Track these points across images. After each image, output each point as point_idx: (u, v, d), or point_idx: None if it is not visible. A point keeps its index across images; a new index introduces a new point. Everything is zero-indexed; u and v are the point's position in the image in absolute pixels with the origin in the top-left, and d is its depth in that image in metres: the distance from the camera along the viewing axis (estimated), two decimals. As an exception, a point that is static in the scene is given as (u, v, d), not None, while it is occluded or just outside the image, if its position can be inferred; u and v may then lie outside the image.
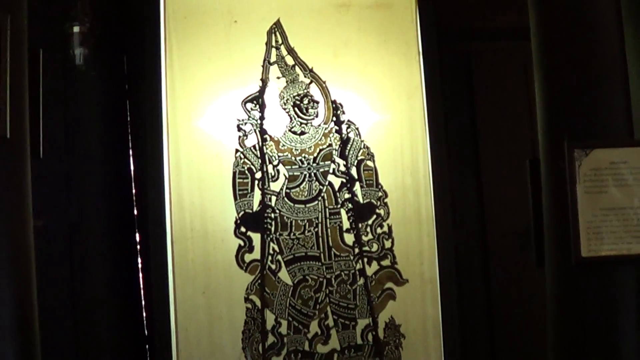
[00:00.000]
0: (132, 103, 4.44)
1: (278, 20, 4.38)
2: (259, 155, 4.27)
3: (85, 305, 4.20)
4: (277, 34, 4.38)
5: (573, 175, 3.04)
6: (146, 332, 4.31)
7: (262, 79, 4.34)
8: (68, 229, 4.25)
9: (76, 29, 4.27)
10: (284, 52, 4.38)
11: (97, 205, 4.31)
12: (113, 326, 4.25)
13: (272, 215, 4.26)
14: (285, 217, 4.27)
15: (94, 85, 4.36)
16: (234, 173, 4.26)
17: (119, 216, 4.38)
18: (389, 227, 4.35)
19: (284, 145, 4.31)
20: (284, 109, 4.34)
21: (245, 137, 4.29)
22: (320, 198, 4.30)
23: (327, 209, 4.31)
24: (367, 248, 4.32)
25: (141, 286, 4.33)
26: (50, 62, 4.05)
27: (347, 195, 4.32)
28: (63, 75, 4.27)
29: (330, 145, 4.35)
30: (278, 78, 4.36)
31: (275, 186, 4.29)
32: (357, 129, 4.38)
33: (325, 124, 4.37)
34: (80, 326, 4.21)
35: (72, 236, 4.24)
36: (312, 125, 4.35)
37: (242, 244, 4.23)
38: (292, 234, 4.27)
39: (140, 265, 4.36)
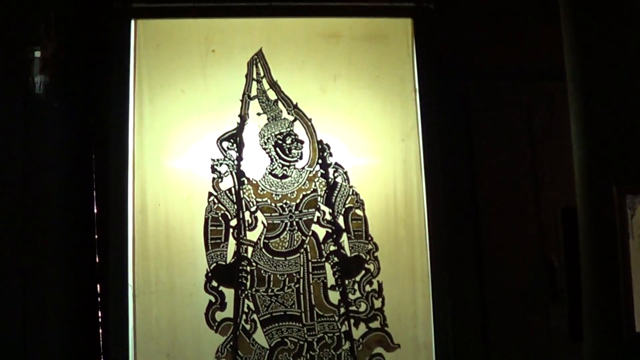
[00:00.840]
0: (97, 139, 4.00)
1: (260, 51, 4.00)
2: (234, 200, 3.88)
3: (37, 362, 3.70)
4: (259, 65, 4.00)
5: (625, 227, 2.51)
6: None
7: (240, 115, 3.96)
8: (22, 277, 3.75)
9: (37, 53, 3.85)
10: (265, 85, 3.99)
11: (55, 253, 3.86)
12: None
13: (248, 268, 3.85)
14: (262, 271, 3.86)
15: (55, 118, 3.92)
16: (206, 219, 3.86)
17: (78, 265, 3.93)
18: (379, 285, 3.92)
19: (263, 190, 3.91)
20: (264, 148, 3.95)
21: (220, 180, 3.90)
22: (302, 250, 3.90)
23: (309, 263, 3.89)
24: (354, 308, 3.90)
25: (100, 344, 3.86)
26: (8, 90, 3.75)
27: (332, 248, 3.92)
28: (23, 105, 3.84)
29: (315, 190, 3.95)
30: (258, 114, 3.97)
31: (252, 235, 3.88)
32: (345, 173, 3.98)
33: (310, 166, 3.97)
34: (30, 386, 3.70)
35: (26, 286, 3.75)
36: (295, 168, 3.96)
37: (213, 300, 3.81)
38: (269, 290, 3.86)
39: (100, 320, 3.90)
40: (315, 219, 3.92)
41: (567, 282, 2.89)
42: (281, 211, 3.89)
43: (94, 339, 3.86)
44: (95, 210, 3.95)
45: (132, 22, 3.97)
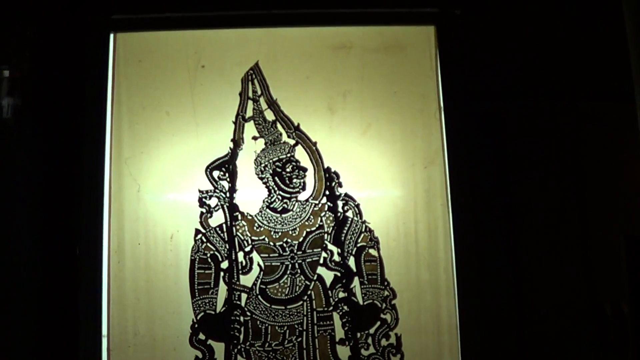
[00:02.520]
0: (71, 168, 3.58)
1: (256, 65, 3.59)
2: (226, 239, 3.42)
3: None
4: (255, 82, 3.57)
5: None
6: None
7: (233, 140, 3.51)
8: None
9: (6, 73, 3.52)
10: (263, 105, 3.55)
11: (27, 297, 3.46)
12: None
13: (242, 318, 3.37)
14: (258, 322, 3.38)
15: (27, 148, 3.56)
16: (193, 261, 3.41)
17: (52, 313, 3.49)
18: (398, 338, 3.41)
19: (259, 227, 3.44)
20: (261, 178, 3.49)
21: (209, 215, 3.45)
22: (305, 297, 3.41)
23: (314, 312, 3.40)
24: None
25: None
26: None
27: (342, 294, 3.42)
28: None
29: (320, 227, 3.47)
30: (254, 138, 3.52)
31: (246, 280, 3.41)
32: (356, 206, 3.50)
33: (314, 199, 3.50)
34: None
35: None
36: (297, 201, 3.49)
37: (200, 356, 3.34)
38: (267, 344, 3.37)
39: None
40: (321, 261, 3.44)
41: (634, 329, 2.43)
42: (281, 251, 3.42)
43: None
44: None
45: (111, 35, 3.59)
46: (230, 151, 3.48)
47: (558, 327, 3.56)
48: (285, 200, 3.46)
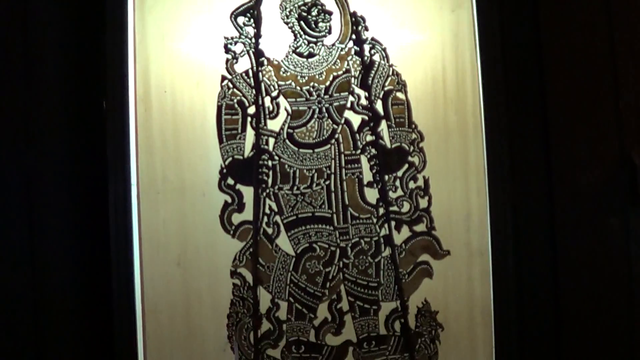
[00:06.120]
0: (94, 18, 3.60)
1: None
2: (252, 84, 3.50)
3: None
4: None
5: None
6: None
7: None
8: (25, 179, 3.47)
9: None
10: None
11: (58, 148, 3.54)
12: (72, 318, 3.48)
13: (269, 162, 3.49)
14: (286, 166, 3.50)
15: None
16: (220, 107, 3.48)
17: (86, 165, 3.57)
18: (425, 181, 3.55)
19: (286, 71, 3.52)
20: (287, 23, 3.55)
21: (235, 61, 3.51)
22: (333, 141, 3.52)
23: (342, 156, 3.52)
24: (395, 208, 3.53)
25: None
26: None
27: (369, 138, 3.53)
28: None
29: (347, 71, 3.54)
30: None
31: (273, 125, 3.51)
32: (383, 50, 3.56)
33: (341, 43, 3.56)
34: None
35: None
36: (323, 45, 3.55)
37: (230, 200, 3.46)
38: (295, 187, 3.50)
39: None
40: (348, 104, 3.53)
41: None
42: (308, 96, 3.51)
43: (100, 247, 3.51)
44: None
45: None
46: (254, -5, 3.53)
47: (589, 173, 3.62)
48: (311, 45, 3.52)
